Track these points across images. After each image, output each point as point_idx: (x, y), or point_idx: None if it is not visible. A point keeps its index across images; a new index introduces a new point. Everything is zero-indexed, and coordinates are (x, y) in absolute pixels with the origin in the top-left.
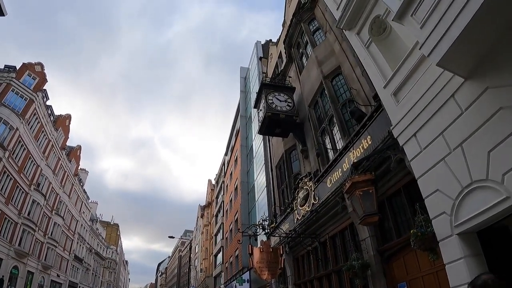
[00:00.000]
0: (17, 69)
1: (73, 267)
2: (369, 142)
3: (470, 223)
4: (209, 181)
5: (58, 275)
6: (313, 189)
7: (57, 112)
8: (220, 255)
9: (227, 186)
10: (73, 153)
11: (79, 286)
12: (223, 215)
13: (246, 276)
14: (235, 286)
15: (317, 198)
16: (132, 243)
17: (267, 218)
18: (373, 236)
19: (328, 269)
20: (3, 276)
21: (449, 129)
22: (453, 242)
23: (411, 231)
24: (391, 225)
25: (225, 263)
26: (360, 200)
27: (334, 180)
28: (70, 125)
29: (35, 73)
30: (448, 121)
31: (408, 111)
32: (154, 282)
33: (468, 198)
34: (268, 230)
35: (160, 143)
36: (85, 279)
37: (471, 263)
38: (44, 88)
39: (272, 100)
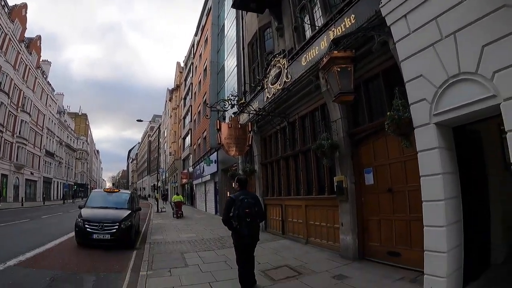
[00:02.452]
0: None
1: (45, 163)
2: (352, 21)
3: (451, 114)
4: (178, 63)
5: (32, 173)
6: (286, 67)
7: (11, 2)
8: (188, 138)
9: (196, 67)
10: (33, 44)
11: (54, 181)
12: (191, 98)
13: (213, 157)
14: (203, 167)
15: (289, 76)
16: (103, 132)
17: (236, 95)
18: (345, 118)
19: (295, 149)
20: None
21: (444, 15)
22: (430, 131)
23: (388, 113)
24: (364, 110)
25: (193, 145)
26: (337, 76)
27: (310, 58)
28: (28, 15)
29: None
30: (445, 7)
31: None
32: (125, 169)
33: (453, 89)
34: (237, 106)
35: (128, 26)
36: (59, 173)
37: (444, 155)
38: None
39: None
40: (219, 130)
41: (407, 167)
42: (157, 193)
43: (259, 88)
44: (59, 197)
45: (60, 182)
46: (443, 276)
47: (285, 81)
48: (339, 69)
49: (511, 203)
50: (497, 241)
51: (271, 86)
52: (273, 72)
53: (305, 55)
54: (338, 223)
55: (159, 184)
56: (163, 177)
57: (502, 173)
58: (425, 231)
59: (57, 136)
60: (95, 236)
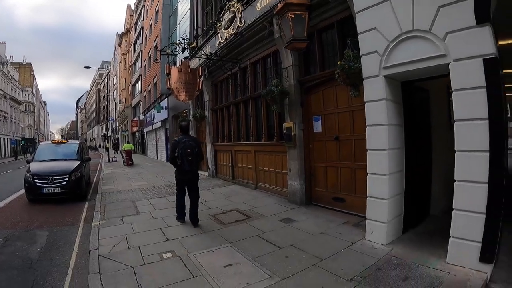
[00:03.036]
0: None
1: None
2: None
3: (400, 68)
4: (128, 6)
5: None
6: (240, 11)
7: None
8: (138, 84)
9: (147, 10)
10: None
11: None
12: (142, 42)
13: (164, 103)
14: (154, 114)
15: (243, 21)
16: (51, 82)
17: (188, 39)
18: (296, 66)
19: (246, 95)
20: None
21: None
22: (378, 82)
23: (338, 63)
24: (316, 58)
25: (144, 92)
26: (290, 23)
27: (265, 4)
28: None
29: None
30: None
31: None
32: (74, 119)
33: (405, 44)
34: (188, 50)
35: None
36: (5, 129)
37: (391, 107)
38: None
39: None
40: (168, 74)
41: (355, 117)
42: (108, 142)
43: (211, 32)
44: (7, 154)
45: (7, 138)
46: (384, 221)
47: (238, 26)
48: (293, 16)
49: (452, 159)
50: (437, 193)
51: (224, 30)
52: (227, 16)
53: (260, 0)
54: (286, 169)
55: (109, 134)
56: (114, 126)
57: (446, 131)
58: (368, 178)
59: (1, 89)
60: (45, 190)
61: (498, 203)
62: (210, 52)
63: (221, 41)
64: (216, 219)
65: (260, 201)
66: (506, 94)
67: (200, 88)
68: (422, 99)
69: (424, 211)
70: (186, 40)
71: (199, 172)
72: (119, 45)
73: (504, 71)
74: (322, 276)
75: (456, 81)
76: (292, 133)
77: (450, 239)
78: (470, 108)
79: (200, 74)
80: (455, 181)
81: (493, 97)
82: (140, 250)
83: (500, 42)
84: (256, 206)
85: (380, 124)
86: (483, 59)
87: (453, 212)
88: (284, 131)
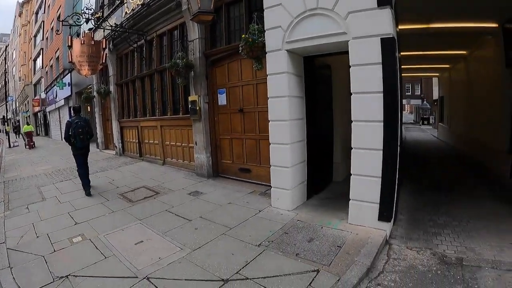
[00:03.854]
0: None
1: None
2: None
3: (302, 43)
4: None
5: None
6: None
7: None
8: (40, 59)
9: None
10: None
11: None
12: (44, 12)
13: (67, 79)
14: (56, 91)
15: None
16: None
17: (92, 8)
18: (203, 39)
19: (151, 68)
20: None
21: None
22: (281, 56)
23: (243, 36)
24: (223, 32)
25: (45, 67)
26: None
27: None
28: None
29: None
30: None
31: None
32: None
33: (308, 21)
34: (93, 20)
35: None
36: None
37: (293, 80)
38: None
39: None
40: (70, 47)
41: (258, 90)
42: (8, 126)
43: (118, 2)
44: None
45: None
46: (288, 188)
47: None
48: None
49: (350, 130)
50: (339, 161)
51: (131, 1)
52: None
53: None
54: (193, 142)
55: (9, 116)
56: (13, 107)
57: (346, 104)
58: (271, 148)
59: None
60: None
61: (392, 168)
62: (115, 23)
63: (128, 12)
64: (125, 198)
65: (168, 176)
66: (402, 75)
67: (104, 61)
68: (325, 74)
69: (328, 178)
70: (91, 10)
71: (106, 151)
72: (20, 15)
73: (402, 53)
74: (232, 244)
75: (354, 57)
76: (197, 107)
77: (350, 201)
78: (366, 82)
79: (104, 46)
80: (352, 148)
81: (388, 72)
82: (49, 237)
83: (401, 27)
84: (164, 181)
85: (281, 96)
86: (381, 38)
87: (351, 176)
88: (190, 105)
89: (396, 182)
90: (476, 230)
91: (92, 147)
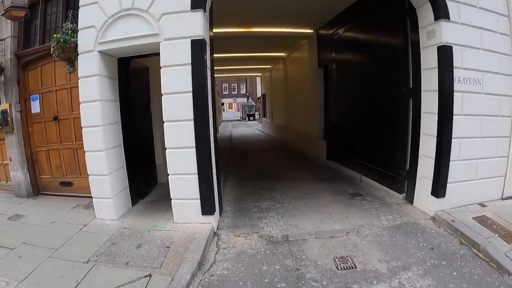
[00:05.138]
0: None
1: None
2: None
3: (116, 44)
4: None
5: None
6: None
7: None
8: None
9: None
10: None
11: None
12: None
13: None
14: None
15: None
16: None
17: None
18: (16, 38)
19: None
20: None
21: None
22: (93, 57)
23: (54, 36)
24: (38, 30)
25: None
26: None
27: None
28: None
29: None
30: None
31: None
32: None
33: (123, 21)
34: None
35: None
36: None
37: (105, 83)
38: None
39: None
40: None
41: (73, 95)
42: None
43: None
44: None
45: None
46: (109, 197)
47: None
48: None
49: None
50: (161, 162)
51: None
52: None
53: None
54: (7, 159)
55: None
56: None
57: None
58: (86, 156)
59: None
60: None
61: (207, 164)
62: None
63: None
64: None
65: None
66: (229, 75)
67: None
68: (142, 75)
69: (152, 181)
70: None
71: None
72: None
73: (227, 54)
74: (60, 266)
75: (166, 58)
76: (9, 117)
77: (172, 201)
78: (176, 83)
79: None
80: (166, 148)
81: (198, 73)
82: None
83: (223, 29)
84: None
85: (93, 100)
86: (191, 40)
87: (169, 176)
88: (0, 115)
89: (214, 176)
90: (298, 208)
91: None
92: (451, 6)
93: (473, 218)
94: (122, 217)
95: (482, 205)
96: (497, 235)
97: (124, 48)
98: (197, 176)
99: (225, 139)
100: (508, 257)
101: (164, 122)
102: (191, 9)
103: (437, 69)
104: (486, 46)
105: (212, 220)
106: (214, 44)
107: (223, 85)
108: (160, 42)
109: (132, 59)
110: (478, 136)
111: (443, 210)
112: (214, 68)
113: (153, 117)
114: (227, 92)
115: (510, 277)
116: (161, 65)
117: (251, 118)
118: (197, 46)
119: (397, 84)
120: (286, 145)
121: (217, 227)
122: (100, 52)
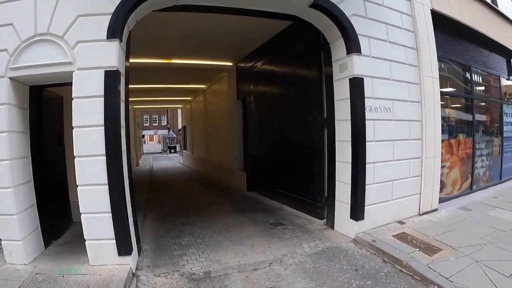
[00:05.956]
0: None
1: None
2: None
3: (28, 71)
4: None
5: None
6: None
7: None
8: None
9: None
10: None
11: None
12: None
13: None
14: None
15: None
16: None
17: None
18: None
19: None
20: None
21: None
22: (3, 85)
23: None
24: None
25: None
26: None
27: None
28: None
29: None
30: None
31: None
32: None
33: (37, 46)
34: None
35: None
36: None
37: (14, 113)
38: None
39: None
40: None
41: None
42: None
43: None
44: None
45: None
46: (19, 239)
47: None
48: None
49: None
50: (76, 199)
51: None
52: None
53: None
54: None
55: None
56: None
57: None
58: None
59: None
60: None
61: (121, 201)
62: None
63: None
64: None
65: None
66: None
67: None
68: (56, 105)
69: (66, 219)
70: None
71: None
72: None
73: (146, 85)
74: None
75: (78, 88)
76: None
77: (86, 242)
78: (88, 116)
79: None
80: (77, 186)
81: (110, 105)
82: None
83: (141, 60)
84: None
85: (0, 132)
86: (105, 71)
87: (82, 216)
88: None
89: (130, 214)
90: (219, 243)
91: None
92: (363, 41)
93: (393, 236)
94: (34, 261)
95: (401, 222)
96: (417, 249)
97: (37, 75)
98: (111, 214)
99: (146, 172)
100: (431, 268)
101: (75, 158)
102: (107, 38)
103: (349, 100)
104: (395, 76)
105: (129, 261)
106: (133, 74)
107: (144, 117)
108: (73, 72)
109: (46, 87)
110: (391, 159)
111: (363, 232)
112: (134, 99)
113: (67, 151)
114: (148, 124)
115: (435, 287)
116: (73, 96)
117: (172, 151)
118: (110, 77)
119: (313, 114)
120: (207, 177)
121: (136, 267)
122: (11, 78)
